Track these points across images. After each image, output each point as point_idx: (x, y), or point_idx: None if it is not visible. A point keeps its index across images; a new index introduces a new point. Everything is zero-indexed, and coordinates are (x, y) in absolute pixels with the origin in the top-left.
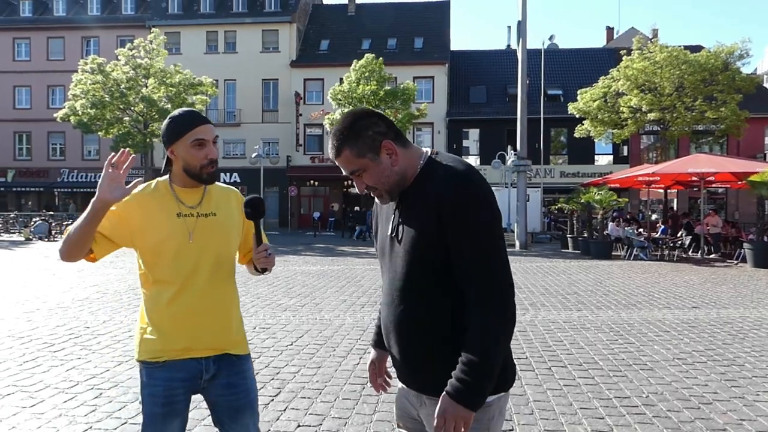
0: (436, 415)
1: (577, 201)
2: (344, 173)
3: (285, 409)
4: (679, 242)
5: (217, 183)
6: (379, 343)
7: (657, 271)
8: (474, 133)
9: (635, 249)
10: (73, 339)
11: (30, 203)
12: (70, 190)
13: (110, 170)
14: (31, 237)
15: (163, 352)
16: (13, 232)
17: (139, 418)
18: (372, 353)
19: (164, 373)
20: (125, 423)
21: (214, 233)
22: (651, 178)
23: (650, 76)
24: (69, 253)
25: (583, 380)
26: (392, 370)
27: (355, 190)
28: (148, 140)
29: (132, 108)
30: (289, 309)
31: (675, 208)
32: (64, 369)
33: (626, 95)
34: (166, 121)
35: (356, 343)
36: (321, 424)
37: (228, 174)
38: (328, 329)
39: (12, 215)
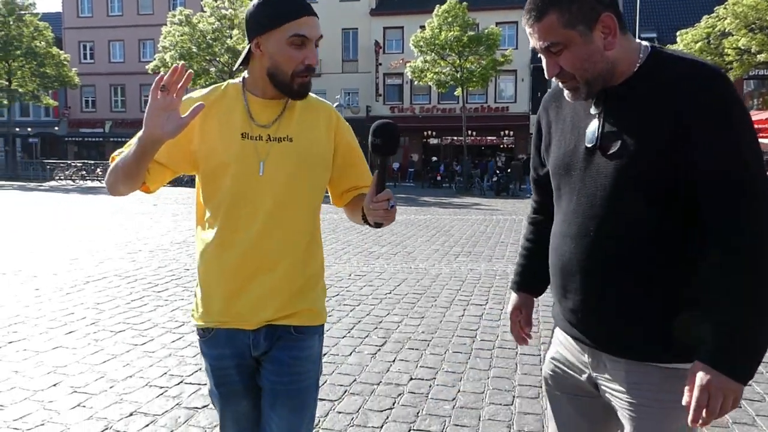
0: (695, 394)
1: None
2: (536, 45)
3: (394, 360)
4: None
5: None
6: (523, 285)
7: None
8: None
9: None
10: (175, 280)
11: None
12: None
13: (159, 96)
14: None
15: (206, 316)
16: None
17: None
18: (515, 298)
19: (209, 347)
20: None
21: (290, 165)
22: (760, 126)
23: (762, 13)
24: (116, 189)
25: None
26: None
27: (435, 140)
28: None
29: (218, 59)
30: (381, 257)
31: None
32: (169, 309)
33: (733, 35)
34: (255, 5)
35: (457, 294)
36: (434, 378)
37: None
38: (425, 278)
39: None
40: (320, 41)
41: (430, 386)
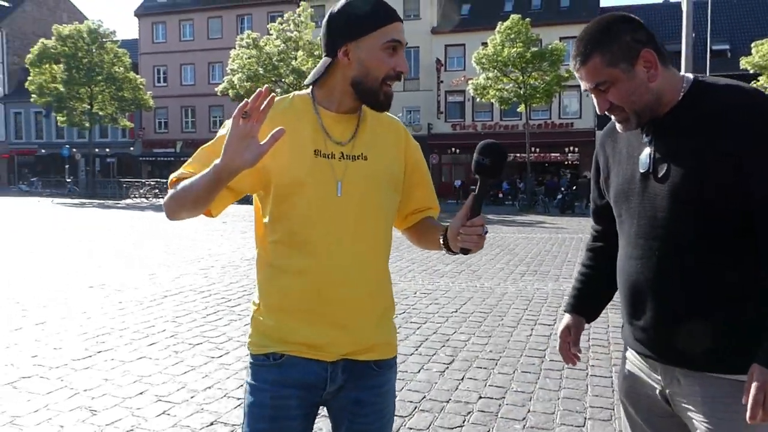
0: (753, 388)
1: None
2: (584, 87)
3: (462, 378)
4: None
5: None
6: (578, 307)
7: None
8: None
9: None
10: (247, 296)
11: None
12: None
13: (240, 123)
14: None
15: (277, 343)
16: None
17: None
18: (567, 318)
19: (274, 375)
20: None
21: (364, 185)
22: None
23: None
24: (177, 215)
25: None
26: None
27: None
28: None
29: (283, 80)
30: (446, 275)
31: None
32: (242, 323)
33: None
34: (342, 6)
35: (524, 314)
36: (504, 398)
37: None
38: (491, 297)
39: None
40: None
41: (499, 405)
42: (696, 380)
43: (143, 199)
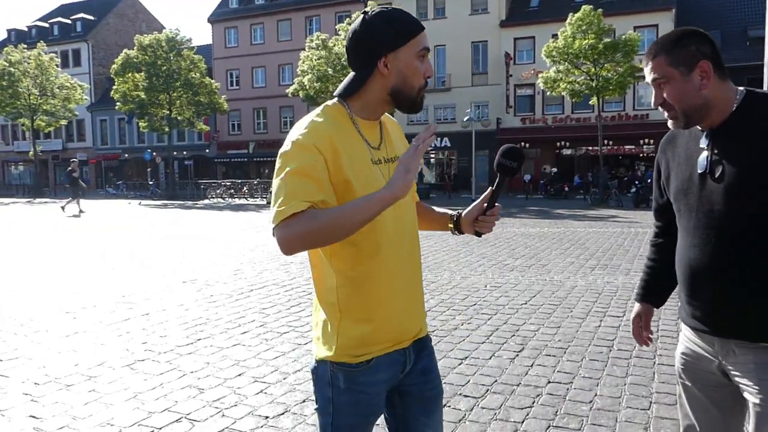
0: None
1: None
2: (647, 79)
3: (532, 365)
4: None
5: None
6: (646, 296)
7: None
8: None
9: None
10: None
11: (267, 171)
12: None
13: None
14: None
15: (371, 347)
16: (256, 197)
17: None
18: (638, 307)
19: (369, 377)
20: None
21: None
22: None
23: None
24: (312, 246)
25: None
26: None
27: (569, 151)
28: None
29: None
30: (516, 269)
31: None
32: None
33: None
34: (375, 19)
35: (593, 306)
36: (572, 383)
37: (439, 139)
38: (560, 290)
39: (255, 182)
40: (452, 55)
41: (567, 389)
42: (750, 350)
43: (220, 199)
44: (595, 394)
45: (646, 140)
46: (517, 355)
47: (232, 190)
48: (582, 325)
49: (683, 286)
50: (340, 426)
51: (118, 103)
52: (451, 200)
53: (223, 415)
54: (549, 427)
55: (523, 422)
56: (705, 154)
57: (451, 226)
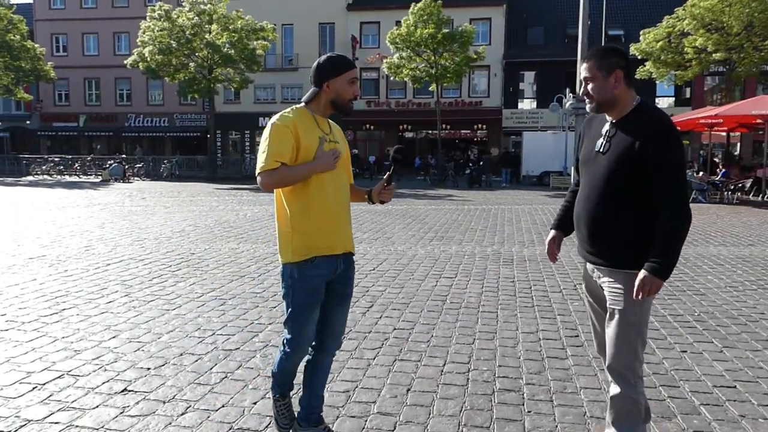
0: (636, 284)
1: None
2: (580, 76)
3: (380, 317)
4: (740, 185)
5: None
6: (559, 226)
7: (715, 213)
8: (530, 76)
9: (694, 192)
10: (185, 262)
11: (100, 147)
12: (136, 134)
13: (329, 152)
14: (109, 178)
15: (312, 250)
16: (90, 174)
17: (257, 319)
18: (552, 233)
19: (313, 270)
20: (251, 323)
21: (342, 158)
22: (713, 121)
23: (718, 15)
24: (275, 187)
25: None
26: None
27: (411, 134)
28: (212, 85)
29: (197, 54)
30: (364, 241)
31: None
32: (187, 284)
33: (691, 35)
34: (325, 60)
35: (431, 270)
36: (413, 328)
37: None
38: (403, 258)
39: (88, 158)
40: (299, 35)
41: (409, 333)
42: (605, 272)
43: (47, 176)
44: (432, 336)
45: (480, 125)
46: (368, 310)
47: (62, 167)
48: (421, 285)
49: (576, 228)
50: (296, 303)
51: None
52: None
53: (105, 370)
54: (395, 360)
55: (374, 359)
56: (602, 139)
57: (366, 197)
